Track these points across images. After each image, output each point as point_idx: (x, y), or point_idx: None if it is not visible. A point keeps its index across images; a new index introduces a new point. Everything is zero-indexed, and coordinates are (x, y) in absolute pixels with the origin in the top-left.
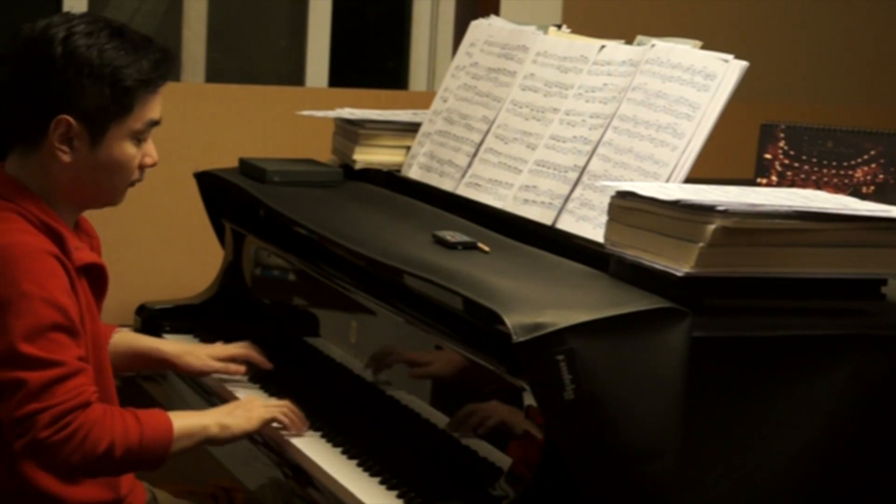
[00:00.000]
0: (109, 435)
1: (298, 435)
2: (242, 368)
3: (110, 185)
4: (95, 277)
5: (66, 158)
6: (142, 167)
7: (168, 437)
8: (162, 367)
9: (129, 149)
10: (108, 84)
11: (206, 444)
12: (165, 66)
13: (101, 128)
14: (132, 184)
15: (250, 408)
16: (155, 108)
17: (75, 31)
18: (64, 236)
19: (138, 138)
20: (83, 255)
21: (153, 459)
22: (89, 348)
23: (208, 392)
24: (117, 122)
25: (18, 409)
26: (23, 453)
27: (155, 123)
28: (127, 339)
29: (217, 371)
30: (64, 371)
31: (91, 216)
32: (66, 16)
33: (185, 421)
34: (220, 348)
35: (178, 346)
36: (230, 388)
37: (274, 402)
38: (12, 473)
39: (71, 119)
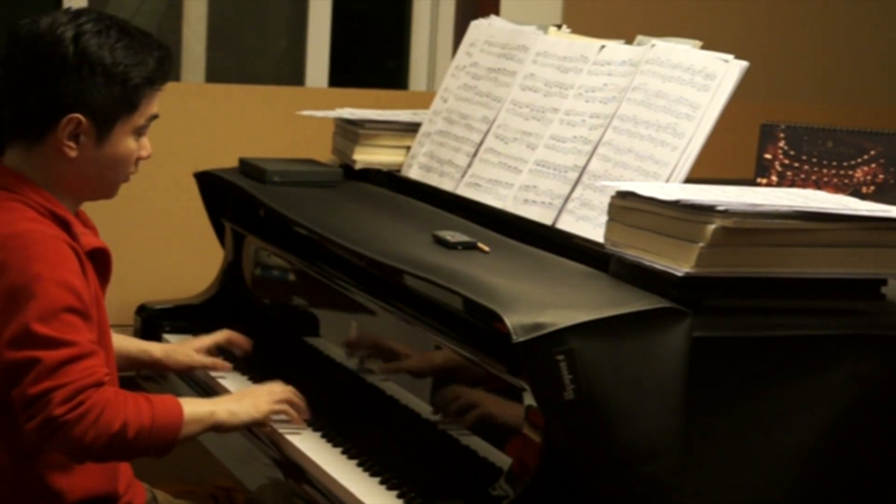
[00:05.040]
0: (122, 415)
1: (296, 432)
2: (229, 365)
3: (111, 179)
4: (101, 262)
5: (72, 154)
6: (137, 160)
7: (178, 421)
8: (153, 368)
9: (131, 144)
10: (119, 83)
11: (215, 430)
12: (168, 63)
13: (108, 125)
14: (127, 178)
15: (257, 395)
16: (157, 103)
17: (85, 30)
18: (70, 222)
19: (139, 133)
20: (90, 239)
21: (163, 443)
22: (97, 334)
23: (207, 392)
24: (123, 119)
25: (33, 387)
26: (37, 433)
27: (154, 118)
28: (116, 342)
29: (204, 365)
30: (77, 351)
31: (92, 217)
32: (69, 13)
33: (194, 406)
34: (201, 340)
35: (164, 346)
36: (226, 385)
37: (280, 388)
38: (15, 462)
39: (81, 117)
